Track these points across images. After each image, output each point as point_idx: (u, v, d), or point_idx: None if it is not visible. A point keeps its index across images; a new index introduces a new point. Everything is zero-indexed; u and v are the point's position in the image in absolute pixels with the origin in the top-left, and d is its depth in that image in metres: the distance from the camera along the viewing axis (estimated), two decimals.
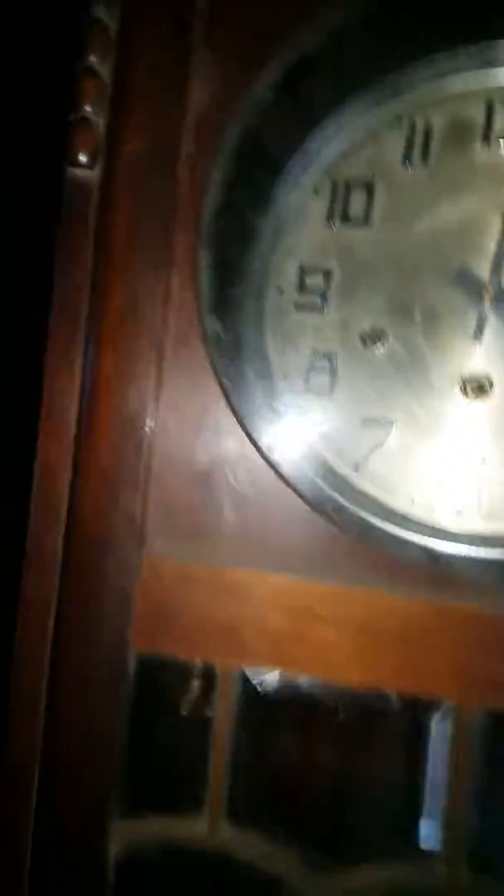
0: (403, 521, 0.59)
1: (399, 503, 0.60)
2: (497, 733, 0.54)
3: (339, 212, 0.63)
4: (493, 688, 0.52)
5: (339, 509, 0.59)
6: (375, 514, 0.59)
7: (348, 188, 0.62)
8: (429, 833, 0.55)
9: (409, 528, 0.59)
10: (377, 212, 0.62)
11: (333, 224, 0.62)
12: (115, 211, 0.63)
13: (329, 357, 0.62)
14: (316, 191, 0.62)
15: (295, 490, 0.60)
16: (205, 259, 0.61)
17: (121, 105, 0.62)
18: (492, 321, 0.59)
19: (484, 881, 0.54)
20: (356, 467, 0.61)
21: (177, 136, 0.62)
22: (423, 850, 0.56)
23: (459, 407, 0.60)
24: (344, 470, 0.61)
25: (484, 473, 0.60)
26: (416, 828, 0.56)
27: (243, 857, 0.58)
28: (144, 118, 0.63)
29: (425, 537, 0.58)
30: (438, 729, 0.54)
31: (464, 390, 0.60)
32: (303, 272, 0.63)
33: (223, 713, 0.60)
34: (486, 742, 0.53)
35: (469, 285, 0.59)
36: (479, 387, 0.60)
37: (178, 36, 0.62)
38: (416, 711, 0.57)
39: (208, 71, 0.62)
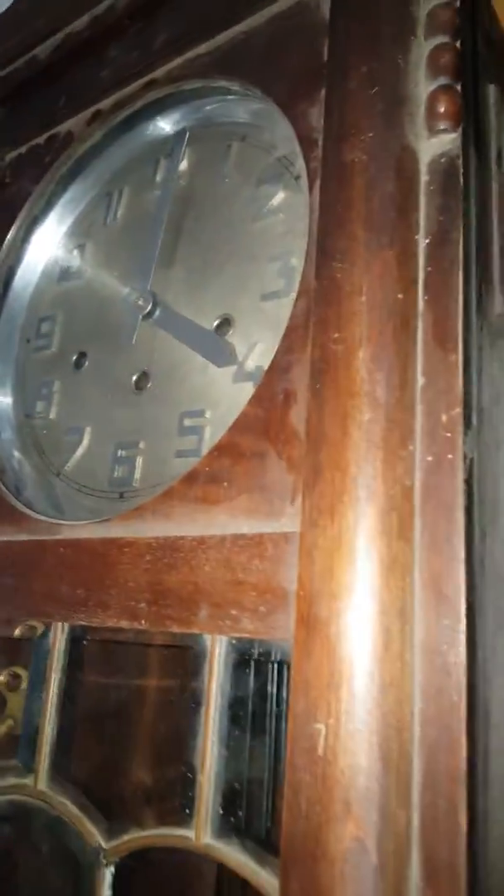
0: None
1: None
2: (75, 647, 0.47)
3: (63, 272, 0.74)
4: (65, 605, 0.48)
5: None
6: None
7: (71, 251, 0.74)
8: (24, 748, 0.48)
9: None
10: (86, 265, 0.72)
11: (61, 282, 0.73)
12: None
13: (49, 384, 0.70)
14: (54, 259, 0.75)
15: None
16: None
17: None
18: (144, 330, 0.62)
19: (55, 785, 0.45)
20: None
21: None
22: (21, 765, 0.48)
23: (129, 400, 0.62)
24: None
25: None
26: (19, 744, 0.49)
27: None
28: None
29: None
30: (41, 647, 0.49)
31: (136, 385, 0.63)
32: (40, 322, 0.73)
33: None
34: (70, 656, 0.47)
35: (130, 307, 0.64)
36: (141, 377, 0.62)
37: None
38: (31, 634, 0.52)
39: None
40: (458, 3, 0.46)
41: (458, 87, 0.44)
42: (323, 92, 0.48)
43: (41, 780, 0.46)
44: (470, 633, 0.35)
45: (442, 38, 0.45)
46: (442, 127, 0.43)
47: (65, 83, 0.72)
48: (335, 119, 0.46)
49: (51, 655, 0.48)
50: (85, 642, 0.50)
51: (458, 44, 0.45)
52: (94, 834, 0.45)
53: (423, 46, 0.46)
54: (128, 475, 0.59)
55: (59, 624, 0.49)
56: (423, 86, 0.45)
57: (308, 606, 0.36)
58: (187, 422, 0.57)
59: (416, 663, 0.35)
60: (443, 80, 0.44)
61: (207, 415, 0.56)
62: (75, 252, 0.73)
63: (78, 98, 0.70)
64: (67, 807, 0.45)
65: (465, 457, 0.38)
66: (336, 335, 0.41)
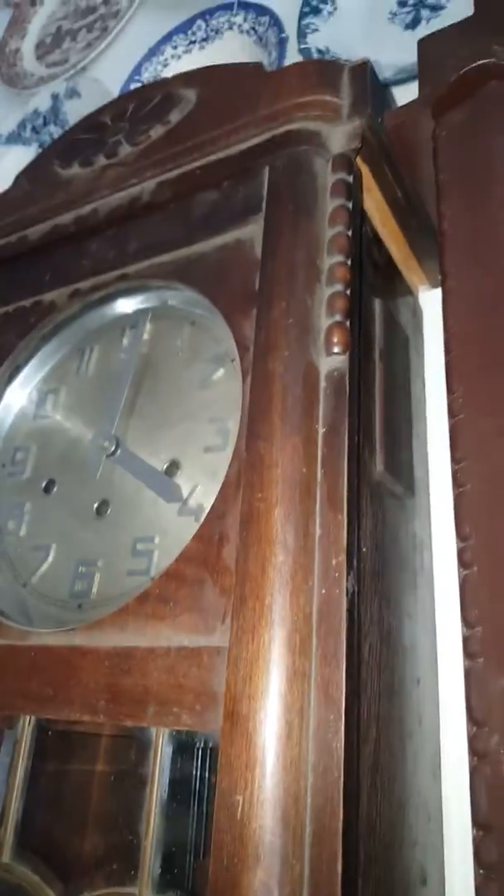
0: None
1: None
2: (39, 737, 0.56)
3: (38, 411, 0.86)
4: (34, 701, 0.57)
5: None
6: None
7: (46, 394, 0.87)
8: None
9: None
10: (60, 406, 0.85)
11: (36, 419, 0.86)
12: None
13: (21, 505, 0.81)
14: (31, 399, 0.87)
15: None
16: None
17: None
18: (107, 465, 0.75)
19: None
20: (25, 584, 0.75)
21: None
22: None
23: (91, 523, 0.74)
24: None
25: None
26: None
27: None
28: None
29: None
30: (10, 738, 0.57)
31: (97, 511, 0.75)
32: (15, 451, 0.85)
33: None
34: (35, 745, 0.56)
35: (96, 447, 0.77)
36: (102, 504, 0.74)
37: None
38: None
39: None
40: (349, 261, 0.65)
41: (347, 324, 0.61)
42: (255, 312, 0.65)
43: (6, 853, 0.54)
44: (347, 723, 0.48)
45: (337, 287, 0.63)
46: (335, 350, 0.60)
47: (50, 262, 0.88)
48: (262, 336, 0.62)
49: (19, 744, 0.57)
50: (49, 733, 0.59)
51: (348, 291, 0.63)
52: None
53: (325, 291, 0.63)
54: (86, 588, 0.70)
55: (27, 717, 0.58)
56: (323, 320, 0.62)
57: (233, 704, 0.47)
58: (139, 546, 0.69)
59: (310, 748, 0.47)
60: (337, 318, 0.61)
61: (156, 541, 0.69)
62: (49, 395, 0.86)
63: (61, 277, 0.85)
64: (29, 875, 0.53)
65: (347, 591, 0.52)
66: (259, 495, 0.56)
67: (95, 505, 0.75)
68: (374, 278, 0.76)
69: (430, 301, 0.91)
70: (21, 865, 0.53)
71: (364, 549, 0.58)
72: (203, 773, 0.55)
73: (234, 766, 0.45)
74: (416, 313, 0.90)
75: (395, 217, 0.81)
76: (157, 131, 0.83)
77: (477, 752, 0.44)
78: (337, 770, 0.46)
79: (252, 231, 0.71)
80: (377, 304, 0.75)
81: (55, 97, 1.57)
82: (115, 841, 0.57)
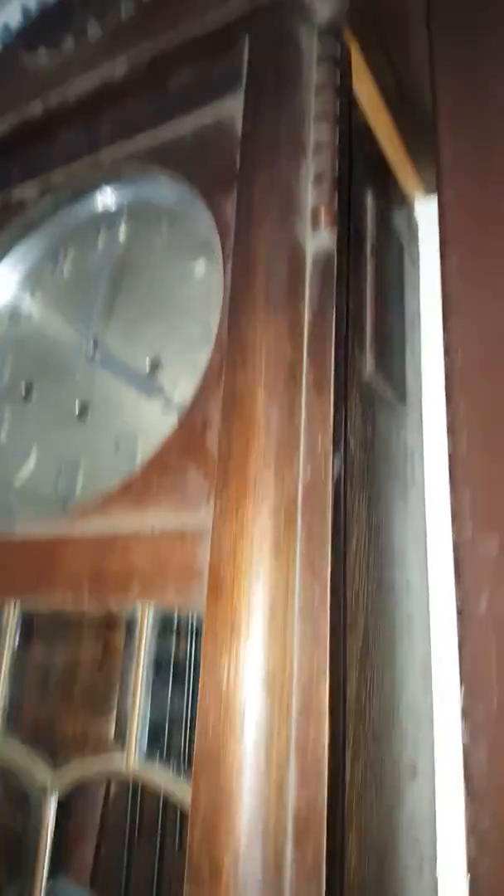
0: None
1: None
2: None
3: (14, 315, 0.83)
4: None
5: None
6: None
7: (21, 298, 0.83)
8: None
9: None
10: (36, 308, 0.81)
11: (12, 324, 0.82)
12: None
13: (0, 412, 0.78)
14: (5, 304, 0.84)
15: None
16: None
17: None
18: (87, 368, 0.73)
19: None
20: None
21: None
22: None
23: (72, 426, 0.72)
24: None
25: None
26: None
27: None
28: None
29: None
30: None
31: (79, 413, 0.72)
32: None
33: None
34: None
35: (75, 350, 0.74)
36: (83, 407, 0.72)
37: None
38: None
39: None
40: (337, 135, 0.61)
41: (336, 198, 0.58)
42: (236, 191, 0.61)
43: None
44: (334, 599, 0.47)
45: (324, 161, 0.59)
46: (322, 228, 0.57)
47: (20, 156, 0.82)
48: (243, 214, 0.59)
49: (6, 631, 0.56)
50: (34, 620, 0.58)
51: (336, 165, 0.59)
52: (42, 767, 0.52)
53: (311, 165, 0.60)
54: (70, 489, 0.68)
55: (13, 603, 0.57)
56: (309, 195, 0.58)
57: (216, 577, 0.46)
58: (122, 444, 0.68)
59: (296, 619, 0.46)
60: (324, 190, 0.58)
61: (139, 439, 0.67)
62: (26, 299, 0.82)
63: (31, 169, 0.80)
64: (18, 749, 0.53)
65: (333, 474, 0.51)
66: (241, 377, 0.53)
67: (76, 407, 0.73)
68: (364, 172, 0.72)
69: (427, 213, 0.87)
70: (11, 741, 0.53)
71: (352, 443, 0.57)
72: (188, 651, 0.55)
73: (219, 634, 0.45)
74: (412, 225, 0.86)
75: (389, 110, 0.76)
76: (127, 7, 0.77)
77: (464, 614, 0.44)
78: (323, 642, 0.46)
79: (232, 109, 0.66)
80: (369, 200, 0.71)
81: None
82: (103, 716, 0.58)
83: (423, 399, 0.79)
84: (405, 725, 0.61)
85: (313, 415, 0.52)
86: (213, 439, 0.54)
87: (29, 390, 0.77)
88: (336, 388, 0.54)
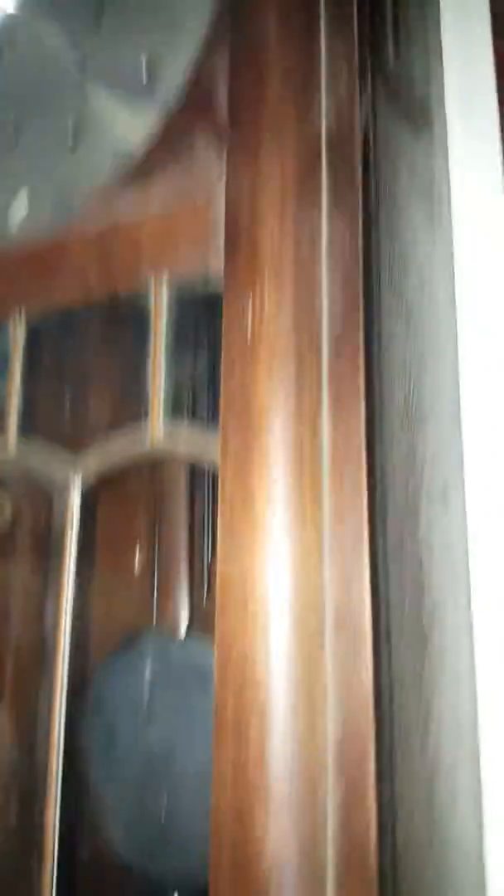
0: None
1: None
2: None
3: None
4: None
5: None
6: None
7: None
8: None
9: None
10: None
11: None
12: None
13: None
14: None
15: None
16: None
17: None
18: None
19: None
20: None
21: None
22: None
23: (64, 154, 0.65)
24: None
25: None
26: None
27: None
28: None
29: None
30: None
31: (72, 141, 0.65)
32: None
33: None
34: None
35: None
36: (76, 132, 0.65)
37: None
38: None
39: None
40: None
41: None
42: None
43: (12, 436, 0.52)
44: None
45: None
46: None
47: None
48: None
49: (13, 342, 0.53)
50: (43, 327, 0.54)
51: None
52: (63, 458, 0.49)
53: None
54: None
55: (20, 309, 0.53)
56: None
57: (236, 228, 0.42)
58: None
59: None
60: None
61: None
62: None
63: None
64: (38, 452, 0.51)
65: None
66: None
67: (69, 135, 0.65)
68: None
69: None
70: (29, 445, 0.51)
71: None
72: (207, 325, 0.51)
73: (240, 281, 0.41)
74: None
75: None
76: None
77: None
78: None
79: None
80: None
81: None
82: (125, 399, 0.57)
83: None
84: None
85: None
86: (221, 108, 0.48)
87: (17, 133, 0.69)
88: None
